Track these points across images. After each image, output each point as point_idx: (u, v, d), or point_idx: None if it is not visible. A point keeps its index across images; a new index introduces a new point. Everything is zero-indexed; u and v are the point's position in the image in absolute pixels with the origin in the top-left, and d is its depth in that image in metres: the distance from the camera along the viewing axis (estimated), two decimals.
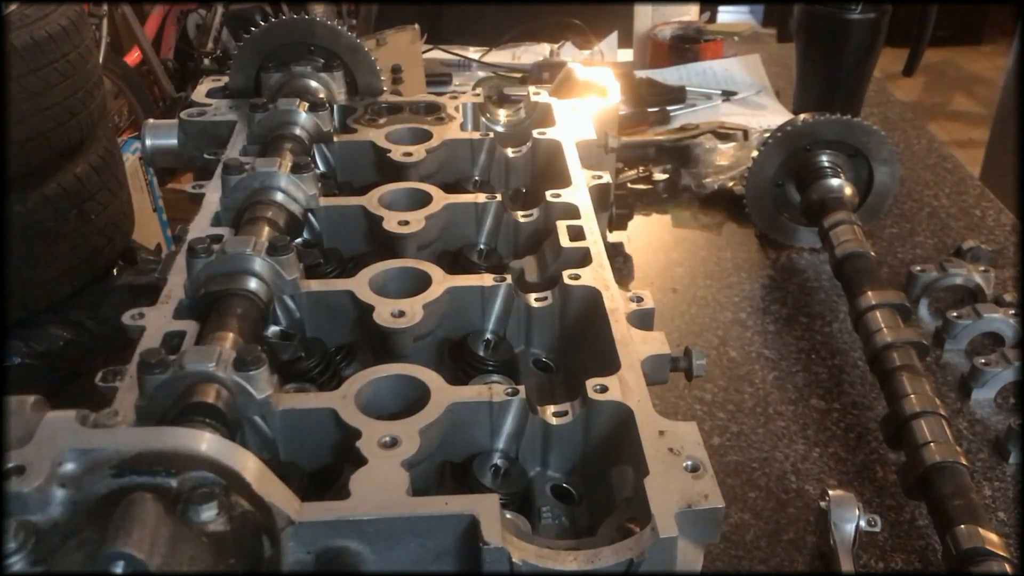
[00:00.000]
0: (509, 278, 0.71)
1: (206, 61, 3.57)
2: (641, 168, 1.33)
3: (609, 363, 0.62)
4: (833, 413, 0.90)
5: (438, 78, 1.56)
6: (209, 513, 0.43)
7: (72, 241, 1.69)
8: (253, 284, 0.65)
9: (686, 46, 1.68)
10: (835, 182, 1.08)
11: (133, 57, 3.39)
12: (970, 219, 1.24)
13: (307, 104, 0.90)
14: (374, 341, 0.68)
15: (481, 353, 0.68)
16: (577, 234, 0.76)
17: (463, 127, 0.96)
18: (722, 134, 1.35)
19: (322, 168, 0.91)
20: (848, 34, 1.35)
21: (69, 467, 0.44)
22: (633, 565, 0.48)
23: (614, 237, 1.10)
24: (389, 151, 0.87)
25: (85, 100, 1.75)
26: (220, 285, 0.64)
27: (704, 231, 1.23)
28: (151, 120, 1.01)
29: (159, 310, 0.65)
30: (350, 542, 0.48)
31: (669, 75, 1.58)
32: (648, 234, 1.22)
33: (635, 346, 0.64)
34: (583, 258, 0.73)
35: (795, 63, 1.45)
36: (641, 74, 1.54)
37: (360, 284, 0.69)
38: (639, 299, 0.70)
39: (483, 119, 1.00)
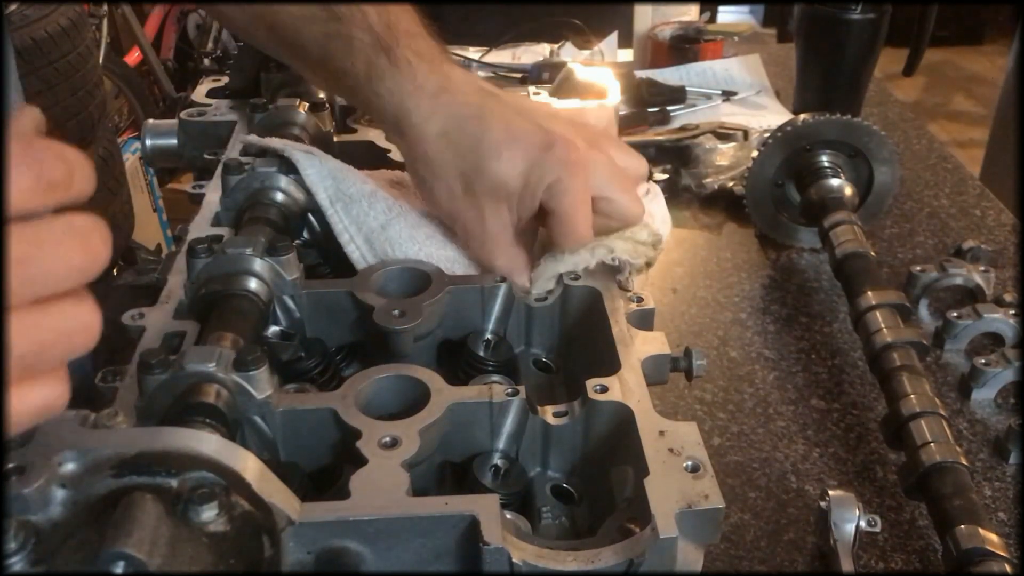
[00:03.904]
0: None
1: (206, 61, 3.57)
2: None
3: (609, 363, 0.62)
4: (833, 413, 0.90)
5: None
6: (209, 513, 0.43)
7: None
8: (253, 284, 0.65)
9: (686, 46, 1.68)
10: (835, 182, 1.08)
11: (133, 57, 3.39)
12: (970, 219, 1.24)
13: (307, 104, 0.90)
14: (374, 341, 0.68)
15: (481, 353, 0.68)
16: None
17: None
18: (722, 134, 1.35)
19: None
20: (848, 34, 1.34)
21: (69, 467, 0.44)
22: (633, 565, 0.48)
23: None
24: (389, 151, 0.87)
25: (85, 100, 1.75)
26: (220, 285, 0.64)
27: (704, 231, 1.23)
28: (151, 120, 1.01)
29: (159, 310, 0.65)
30: (350, 542, 0.48)
31: (669, 75, 1.58)
32: None
33: (635, 346, 0.64)
34: None
35: (795, 63, 1.45)
36: (641, 74, 1.54)
37: (360, 284, 0.69)
38: (639, 299, 0.70)
39: None
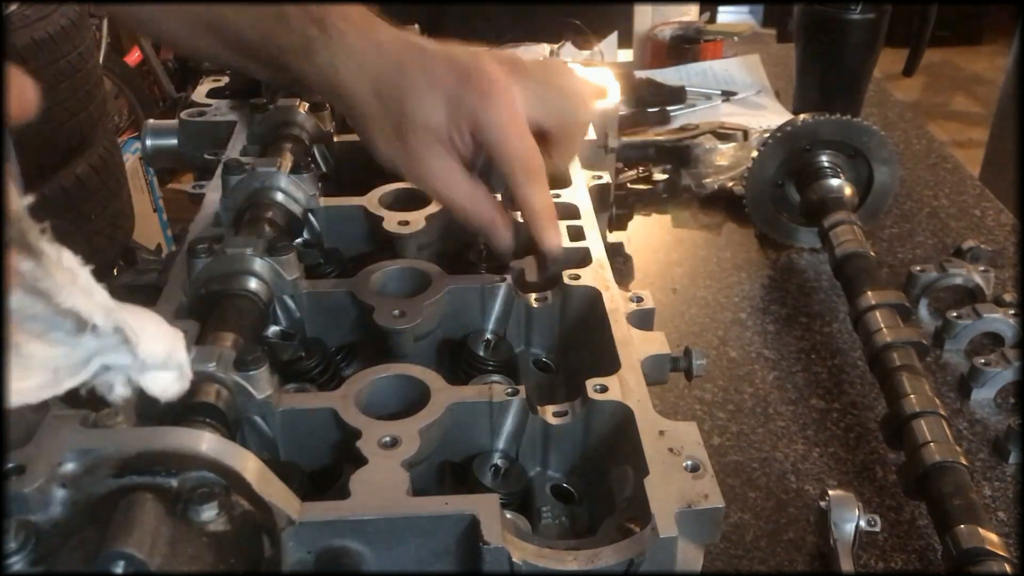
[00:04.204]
0: (509, 278, 0.71)
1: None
2: (641, 168, 1.33)
3: (609, 363, 0.62)
4: (833, 413, 0.90)
5: None
6: (209, 513, 0.43)
7: (72, 241, 1.70)
8: (253, 284, 0.65)
9: (686, 46, 1.68)
10: (835, 182, 1.08)
11: (133, 57, 3.39)
12: (970, 219, 1.24)
13: (307, 104, 0.90)
14: (374, 341, 0.68)
15: (481, 353, 0.68)
16: (577, 234, 0.76)
17: None
18: (722, 134, 1.35)
19: (323, 168, 0.91)
20: (848, 34, 1.35)
21: (69, 467, 0.44)
22: (633, 565, 0.48)
23: (614, 237, 1.10)
24: None
25: (85, 100, 1.75)
26: (220, 285, 0.64)
27: (704, 231, 1.23)
28: (151, 120, 1.01)
29: (159, 310, 0.65)
30: (350, 542, 0.48)
31: (669, 75, 1.58)
32: (648, 234, 1.22)
33: (635, 346, 0.64)
34: (583, 258, 0.73)
35: (795, 63, 1.45)
36: (641, 74, 1.54)
37: (360, 284, 0.69)
38: (639, 299, 0.70)
39: None
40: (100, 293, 0.42)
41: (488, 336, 0.70)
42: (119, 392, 0.45)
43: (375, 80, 0.69)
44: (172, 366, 0.46)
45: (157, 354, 0.45)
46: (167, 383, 0.47)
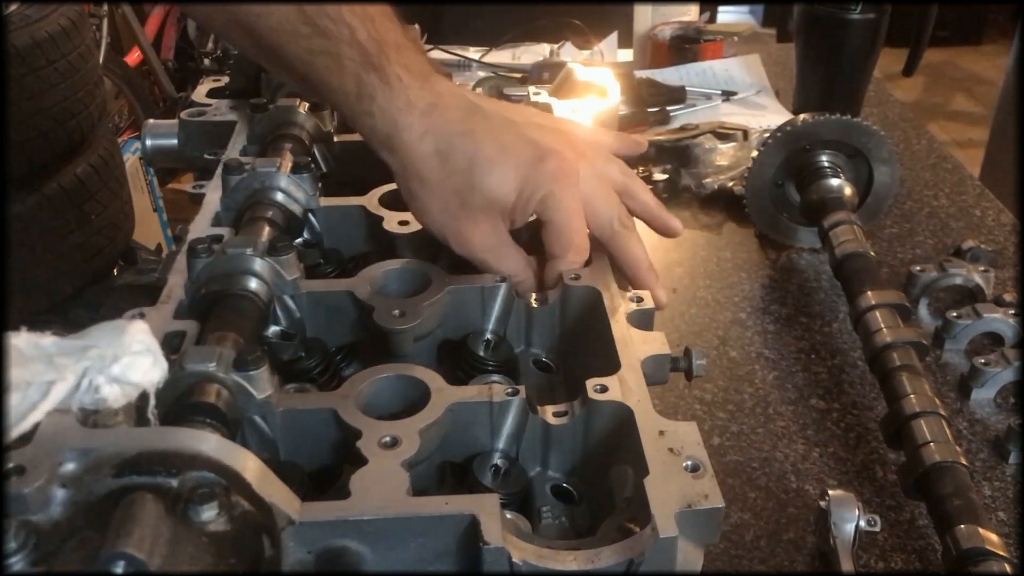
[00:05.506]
0: None
1: (206, 61, 3.57)
2: (641, 168, 1.33)
3: (609, 363, 0.62)
4: (833, 413, 0.90)
5: None
6: (209, 513, 0.43)
7: (72, 241, 1.70)
8: (253, 284, 0.65)
9: (686, 46, 1.68)
10: (835, 182, 1.08)
11: (133, 57, 3.39)
12: (970, 219, 1.24)
13: (307, 104, 0.90)
14: (374, 341, 0.68)
15: (481, 353, 0.68)
16: None
17: None
18: (722, 134, 1.35)
19: (323, 168, 0.91)
20: (848, 34, 1.35)
21: (70, 467, 0.44)
22: (633, 565, 0.48)
23: None
24: None
25: (85, 100, 1.75)
26: (220, 285, 0.64)
27: (704, 231, 1.23)
28: (151, 120, 1.01)
29: (159, 310, 0.65)
30: (350, 542, 0.48)
31: (669, 75, 1.58)
32: (648, 234, 1.22)
33: (635, 346, 0.64)
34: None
35: (795, 63, 1.45)
36: (641, 74, 1.54)
37: (360, 284, 0.69)
38: (639, 299, 0.70)
39: None
40: (43, 348, 0.47)
41: (488, 336, 0.70)
42: (106, 392, 0.47)
43: (439, 142, 0.68)
44: (142, 350, 0.49)
45: (118, 345, 0.48)
46: (145, 368, 0.49)
